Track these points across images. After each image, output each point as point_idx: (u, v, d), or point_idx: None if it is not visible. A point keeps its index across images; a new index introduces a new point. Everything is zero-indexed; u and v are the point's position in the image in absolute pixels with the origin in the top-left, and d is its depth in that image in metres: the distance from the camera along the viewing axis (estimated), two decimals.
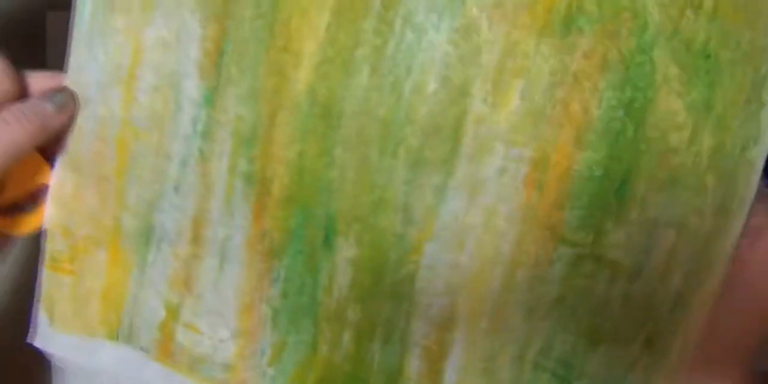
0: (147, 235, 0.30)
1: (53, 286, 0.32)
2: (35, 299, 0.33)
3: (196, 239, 0.30)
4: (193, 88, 0.27)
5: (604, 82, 0.22)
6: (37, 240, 0.33)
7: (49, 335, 0.33)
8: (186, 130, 0.28)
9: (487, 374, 0.27)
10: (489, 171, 0.24)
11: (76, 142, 0.30)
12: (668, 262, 0.24)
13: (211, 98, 0.27)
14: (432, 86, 0.24)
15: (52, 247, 0.31)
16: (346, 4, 0.25)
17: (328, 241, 0.28)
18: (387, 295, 0.28)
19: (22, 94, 0.29)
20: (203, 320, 0.31)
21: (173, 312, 0.31)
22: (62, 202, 0.31)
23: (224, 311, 0.31)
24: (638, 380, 0.25)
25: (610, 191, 0.23)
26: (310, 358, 0.30)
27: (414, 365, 0.28)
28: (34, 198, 0.32)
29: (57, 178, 0.31)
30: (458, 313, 0.27)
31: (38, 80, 0.30)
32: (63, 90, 0.30)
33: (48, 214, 0.31)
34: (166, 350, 0.31)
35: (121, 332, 0.32)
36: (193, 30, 0.27)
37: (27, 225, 0.32)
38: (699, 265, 0.24)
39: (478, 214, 0.25)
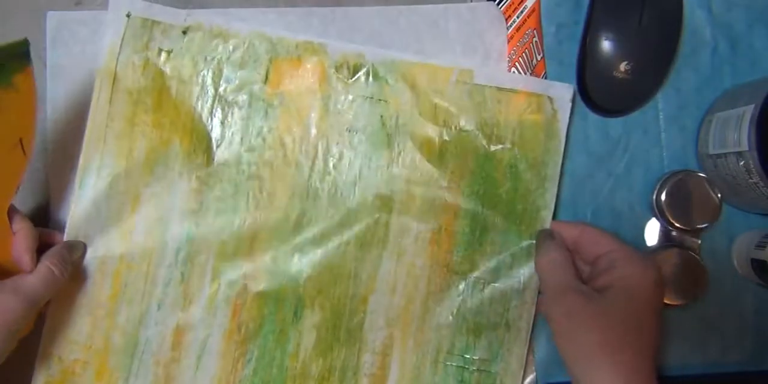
0: (132, 351, 0.39)
1: None
2: None
3: (177, 346, 0.39)
4: (177, 227, 0.39)
5: (463, 184, 0.41)
6: None
7: None
8: (170, 259, 0.39)
9: (415, 382, 0.40)
10: (408, 241, 0.41)
11: (75, 280, 0.38)
12: (509, 274, 0.40)
13: (191, 234, 0.39)
14: (370, 197, 0.40)
15: (46, 373, 0.38)
16: (303, 160, 0.40)
17: (296, 315, 0.40)
18: (343, 342, 0.40)
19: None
20: None
21: None
22: (55, 332, 0.38)
23: None
24: (505, 354, 0.40)
25: (475, 239, 0.41)
26: None
27: None
28: None
29: (52, 312, 0.38)
30: (394, 339, 0.40)
31: (42, 233, 0.37)
32: (73, 242, 0.39)
33: (42, 345, 0.38)
34: None
35: None
36: (181, 187, 0.39)
37: None
38: (524, 274, 0.41)
39: (404, 268, 0.40)
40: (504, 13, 0.43)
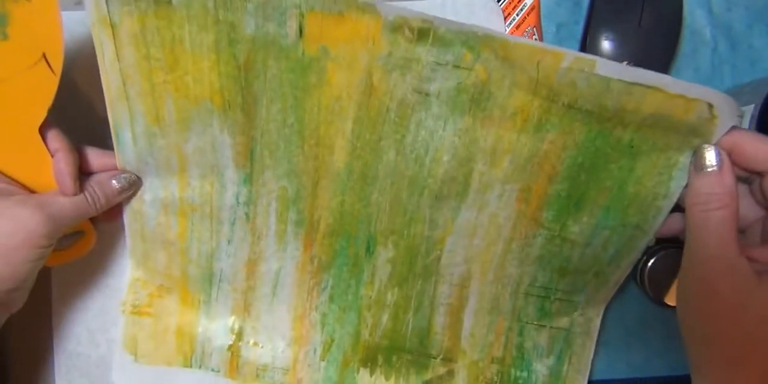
0: (209, 279, 0.39)
1: (135, 328, 0.40)
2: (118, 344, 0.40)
3: (251, 275, 0.39)
4: (232, 173, 0.36)
5: (564, 154, 0.35)
6: None
7: (132, 371, 0.40)
8: (231, 201, 0.37)
9: (493, 311, 0.39)
10: (491, 197, 0.36)
11: (141, 219, 0.38)
12: (605, 244, 0.37)
13: (248, 179, 0.36)
14: (446, 157, 0.35)
15: (133, 296, 0.40)
16: (364, 116, 0.34)
17: (369, 251, 0.38)
18: (419, 275, 0.38)
19: (84, 167, 0.34)
20: (263, 336, 0.40)
21: (238, 335, 0.40)
22: (138, 262, 0.39)
23: (279, 326, 0.40)
24: (590, 291, 0.39)
25: (571, 204, 0.36)
26: (354, 344, 0.40)
27: (440, 321, 0.39)
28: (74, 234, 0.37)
29: (130, 246, 0.39)
30: (472, 273, 0.38)
31: (94, 155, 0.35)
32: (127, 173, 0.35)
33: (129, 271, 0.40)
34: (234, 367, 0.40)
35: (195, 359, 0.40)
36: (224, 140, 0.35)
37: (68, 256, 0.37)
38: (621, 248, 0.37)
39: (486, 218, 0.37)
40: (503, 11, 0.43)
